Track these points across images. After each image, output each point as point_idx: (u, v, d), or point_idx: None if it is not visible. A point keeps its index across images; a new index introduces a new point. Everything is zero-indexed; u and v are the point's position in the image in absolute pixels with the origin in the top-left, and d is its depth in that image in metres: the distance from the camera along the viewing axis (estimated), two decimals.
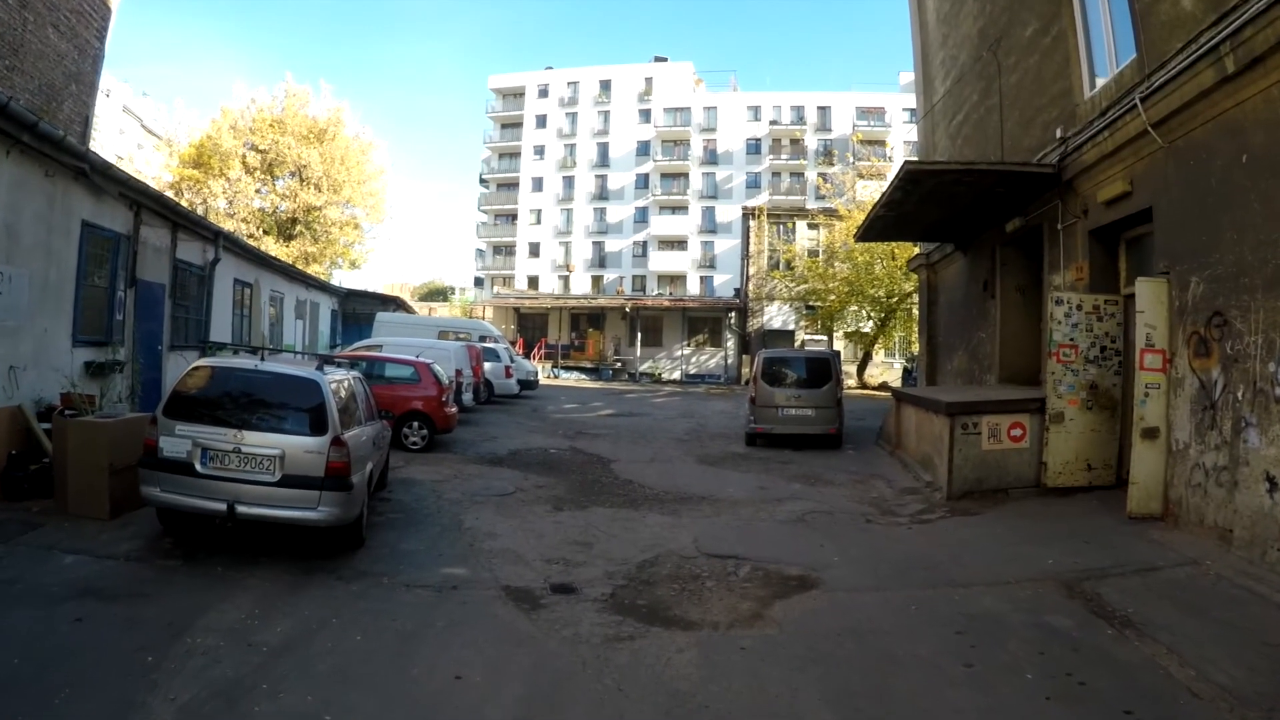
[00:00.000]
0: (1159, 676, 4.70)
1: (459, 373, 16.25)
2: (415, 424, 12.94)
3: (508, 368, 22.79)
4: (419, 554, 7.19)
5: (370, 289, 36.47)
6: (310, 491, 6.49)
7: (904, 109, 60.34)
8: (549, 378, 34.07)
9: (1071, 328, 9.10)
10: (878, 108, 61.96)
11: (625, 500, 9.99)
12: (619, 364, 39.13)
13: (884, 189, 11.84)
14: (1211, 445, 6.66)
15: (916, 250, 21.07)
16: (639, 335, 38.69)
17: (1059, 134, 9.82)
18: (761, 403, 14.58)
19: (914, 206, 12.00)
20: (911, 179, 10.45)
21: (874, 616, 5.81)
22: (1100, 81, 8.99)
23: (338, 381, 7.48)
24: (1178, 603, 5.70)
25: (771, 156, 63.42)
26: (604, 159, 66.94)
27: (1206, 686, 4.48)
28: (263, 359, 7.71)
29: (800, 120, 63.37)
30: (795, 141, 63.11)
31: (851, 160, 44.11)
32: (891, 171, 36.98)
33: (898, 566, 7.07)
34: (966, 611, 5.81)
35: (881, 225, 13.88)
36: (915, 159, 11.20)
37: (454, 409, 14.04)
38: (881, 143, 53.54)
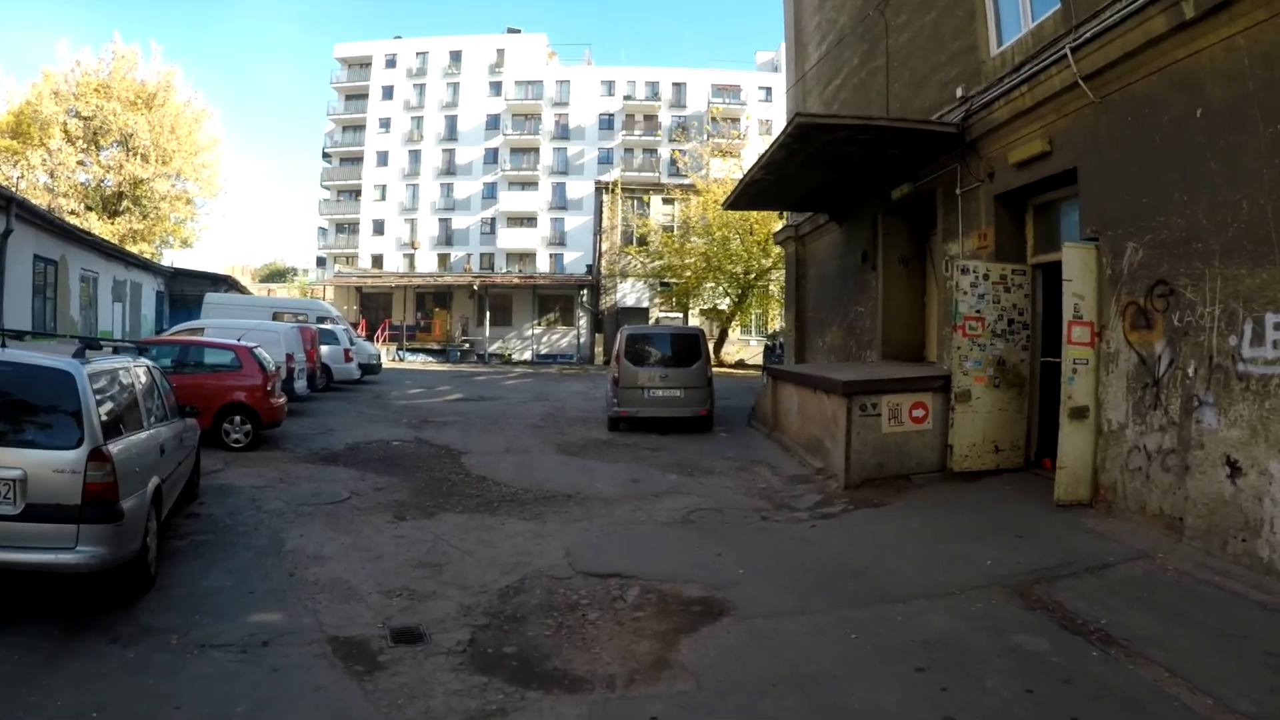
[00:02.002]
0: (1174, 711, 3.91)
1: (290, 357, 14.49)
2: (237, 418, 10.93)
3: (347, 351, 20.59)
4: (225, 593, 5.51)
5: (202, 268, 32.97)
6: (64, 526, 4.69)
7: (760, 87, 61.28)
8: (393, 361, 32.11)
9: (978, 299, 8.47)
10: (733, 85, 62.41)
11: (480, 503, 8.47)
12: (467, 345, 37.15)
13: (763, 151, 10.88)
14: (1155, 426, 6.09)
15: (778, 225, 20.60)
16: (488, 315, 36.70)
17: (959, 93, 9.17)
18: (625, 384, 13.31)
19: (796, 169, 11.10)
20: (800, 134, 9.47)
21: (810, 652, 4.69)
22: (1012, 37, 8.33)
23: (107, 372, 5.54)
24: (1150, 608, 5.00)
25: (625, 132, 62.55)
26: (452, 133, 63.96)
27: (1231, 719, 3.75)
28: (2, 344, 5.52)
29: (655, 96, 62.85)
30: (649, 118, 62.55)
31: (707, 137, 43.89)
32: (749, 149, 37.28)
33: (817, 577, 6.03)
34: (919, 637, 4.82)
35: (756, 191, 12.96)
36: (806, 112, 10.31)
37: (282, 399, 12.01)
38: (736, 120, 53.78)
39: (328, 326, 20.88)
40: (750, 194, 13.32)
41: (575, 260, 56.62)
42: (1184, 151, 5.85)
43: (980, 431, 8.53)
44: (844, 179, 11.66)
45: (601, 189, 38.08)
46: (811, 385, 10.53)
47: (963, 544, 6.54)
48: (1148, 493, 6.12)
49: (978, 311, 8.49)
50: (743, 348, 34.96)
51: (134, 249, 28.37)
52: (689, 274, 31.13)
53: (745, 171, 12.49)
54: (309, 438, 12.18)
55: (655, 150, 60.64)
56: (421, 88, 64.31)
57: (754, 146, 33.71)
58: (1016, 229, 8.68)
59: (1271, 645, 4.41)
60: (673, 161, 46.25)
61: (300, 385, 15.11)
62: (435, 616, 5.18)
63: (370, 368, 22.76)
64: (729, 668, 4.52)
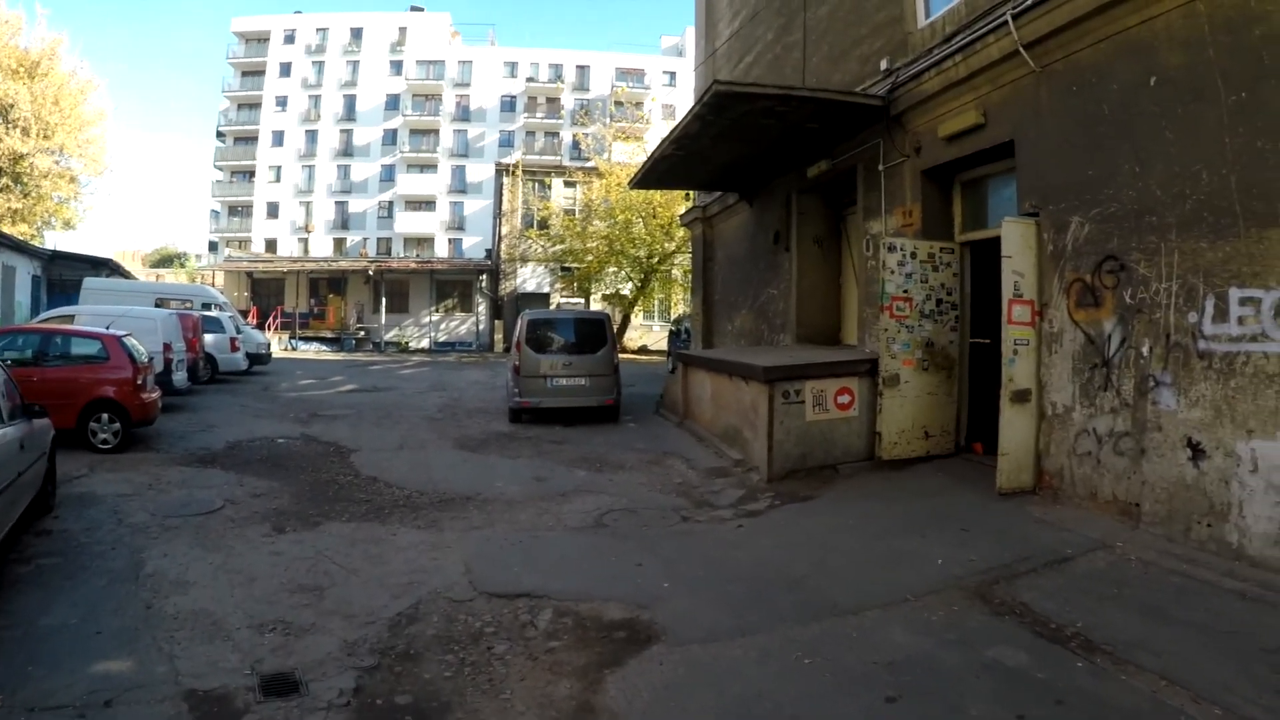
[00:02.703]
0: None
1: (168, 347, 13.19)
2: (105, 416, 9.66)
3: (234, 340, 18.94)
4: (67, 634, 4.47)
5: (84, 251, 29.60)
6: None
7: (664, 71, 60.92)
8: (285, 350, 30.25)
9: (905, 278, 8.08)
10: (638, 69, 61.70)
11: (369, 509, 7.45)
12: (362, 333, 35.32)
13: (676, 123, 10.20)
14: (1105, 409, 5.78)
15: (683, 208, 20.09)
16: (384, 301, 34.89)
17: (884, 66, 8.73)
18: (527, 372, 12.37)
19: (709, 143, 10.48)
20: (717, 104, 8.81)
21: (759, 685, 4.01)
22: (943, 7, 7.92)
23: None
24: (1124, 605, 4.62)
25: (527, 115, 61.01)
26: (351, 113, 60.72)
27: None
28: None
29: (558, 79, 61.50)
30: (552, 100, 61.20)
31: (610, 120, 43.16)
32: (652, 132, 36.62)
33: (753, 588, 5.35)
34: (882, 658, 4.24)
35: (666, 168, 12.28)
36: (724, 80, 9.67)
37: (155, 394, 10.61)
38: (640, 104, 53.20)
39: (213, 314, 19.34)
40: (659, 171, 12.60)
41: (475, 245, 54.83)
42: (1136, 121, 5.52)
43: (909, 417, 8.17)
44: (758, 156, 11.12)
45: (502, 171, 36.88)
46: (727, 371, 9.96)
47: (907, 540, 6.06)
48: (1099, 478, 5.82)
49: (905, 291, 8.10)
50: (646, 333, 34.53)
51: (12, 230, 25.70)
52: (591, 258, 30.39)
53: (655, 147, 11.76)
54: (186, 436, 10.85)
55: (557, 134, 59.31)
56: (320, 65, 60.93)
57: (658, 130, 33.17)
58: (944, 206, 8.34)
59: (1265, 640, 4.09)
60: (575, 145, 45.40)
61: (179, 378, 13.72)
62: (314, 657, 4.28)
63: (259, 358, 21.24)
64: (667, 712, 3.80)
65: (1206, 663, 3.92)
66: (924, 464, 8.07)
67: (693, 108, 9.45)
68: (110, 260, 30.07)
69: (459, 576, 5.58)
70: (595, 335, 12.94)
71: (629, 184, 15.33)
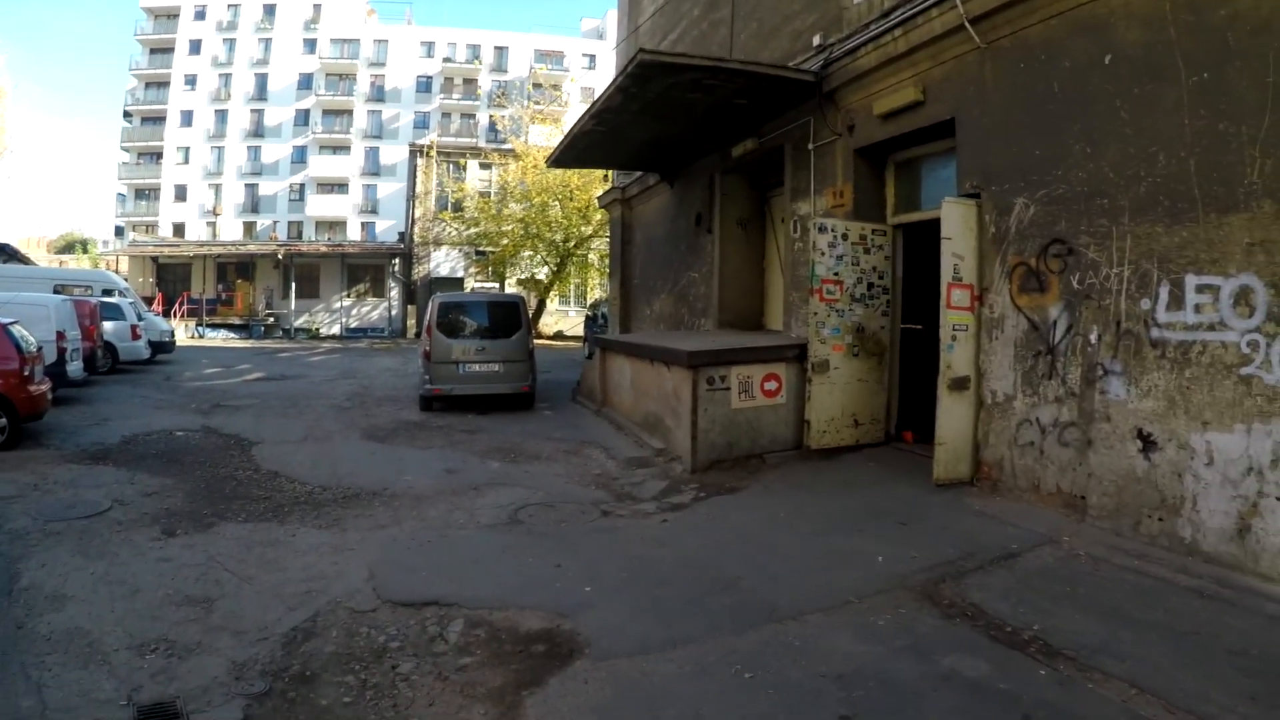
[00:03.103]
0: None
1: (61, 335, 12.18)
2: None
3: (135, 327, 17.65)
4: None
5: None
6: None
7: (584, 54, 59.76)
8: (192, 337, 29.17)
9: (836, 260, 7.74)
10: (557, 51, 60.11)
11: (268, 507, 6.73)
12: (272, 319, 33.50)
13: (598, 96, 9.56)
14: (1049, 398, 5.55)
15: (600, 191, 19.54)
16: (294, 286, 33.17)
17: (816, 42, 8.34)
18: (438, 358, 11.65)
19: (630, 119, 9.88)
20: (642, 75, 8.21)
21: (696, 706, 3.53)
22: None
23: None
24: (1080, 605, 4.36)
25: (443, 96, 58.96)
26: (262, 92, 57.21)
27: None
28: None
29: (476, 59, 59.61)
30: (469, 81, 59.29)
31: (528, 103, 42.05)
32: (571, 115, 35.63)
33: (684, 592, 4.86)
34: (831, 670, 3.82)
35: (584, 145, 11.59)
36: (650, 49, 9.06)
37: (45, 386, 9.54)
38: (559, 87, 51.87)
39: (113, 300, 18.15)
40: (578, 148, 11.89)
41: (388, 229, 53.00)
42: (1088, 100, 5.27)
43: (839, 404, 7.85)
44: (681, 134, 10.59)
45: (416, 153, 35.59)
46: (648, 356, 9.44)
47: (843, 536, 5.70)
48: (1041, 470, 5.60)
49: (836, 274, 7.76)
50: (561, 318, 33.96)
51: None
52: (506, 242, 29.31)
53: (575, 122, 11.07)
54: (79, 431, 9.84)
55: (474, 116, 57.58)
56: (231, 43, 57.29)
57: (576, 113, 32.33)
58: (876, 186, 8.03)
59: (1229, 641, 3.88)
60: (492, 127, 44.35)
61: (74, 368, 12.61)
62: (198, 682, 3.69)
63: (162, 346, 20.02)
64: None
65: (1174, 668, 3.67)
66: (854, 453, 7.78)
67: (615, 79, 8.81)
68: (7, 245, 27.59)
69: (362, 583, 4.96)
70: (509, 319, 12.27)
71: (546, 161, 14.57)
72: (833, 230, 7.73)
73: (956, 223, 6.23)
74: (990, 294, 6.12)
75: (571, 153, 12.38)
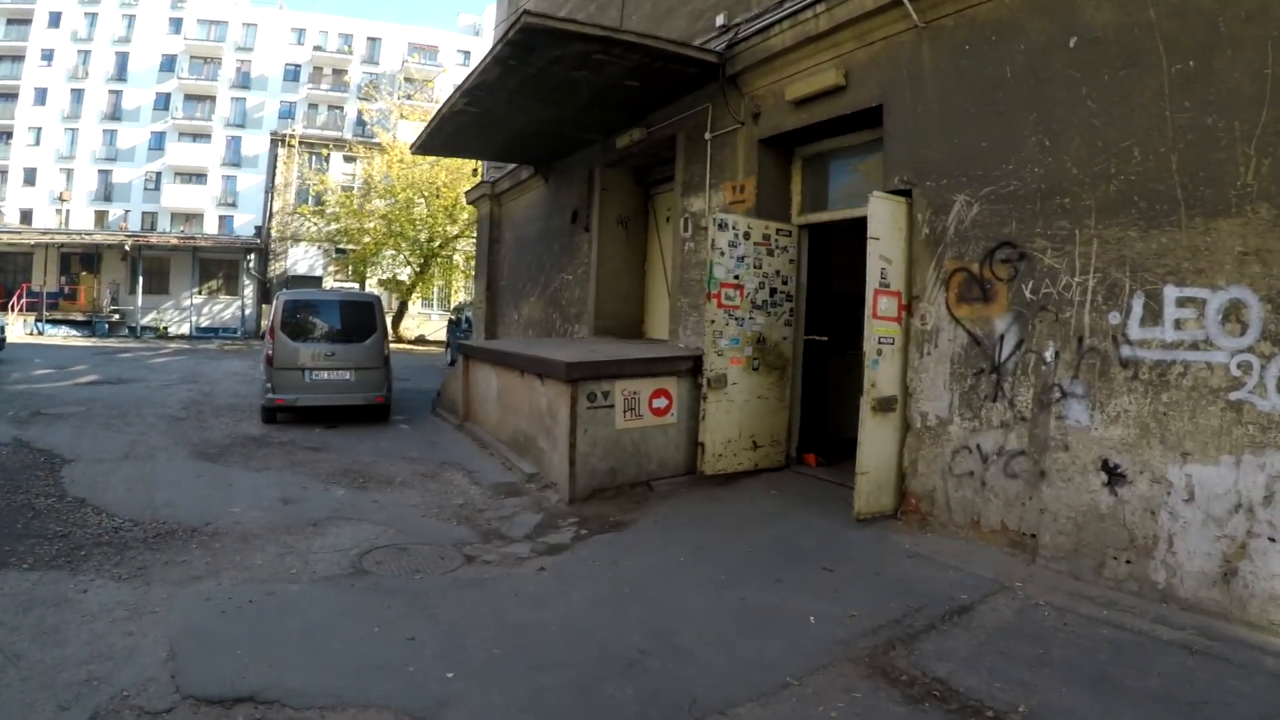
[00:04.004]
0: None
1: None
2: None
3: None
4: None
5: None
6: None
7: (459, 50, 57.05)
8: (31, 334, 26.41)
9: (737, 262, 6.83)
10: (432, 45, 56.82)
11: (64, 548, 5.17)
12: (117, 316, 29.69)
13: (473, 68, 8.21)
14: (994, 422, 4.84)
15: (470, 186, 18.08)
16: (141, 281, 29.40)
17: (720, 21, 7.45)
18: (282, 363, 9.97)
19: (507, 98, 8.57)
20: (525, 42, 6.99)
21: None
22: None
23: None
24: (1061, 672, 3.58)
25: (311, 85, 54.54)
26: (122, 72, 50.30)
27: None
28: None
29: (347, 49, 55.65)
30: (339, 72, 55.41)
31: (397, 96, 39.69)
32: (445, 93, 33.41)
33: (576, 678, 3.64)
34: None
35: (454, 129, 10.13)
36: (536, 11, 7.79)
37: None
38: (431, 83, 48.95)
39: None
40: (446, 132, 10.39)
41: (248, 224, 48.74)
42: (1048, 87, 4.63)
43: (736, 424, 6.93)
44: (561, 120, 9.37)
45: (277, 142, 32.87)
46: (518, 367, 8.13)
47: (761, 588, 4.68)
48: (983, 504, 4.88)
49: (736, 277, 6.85)
50: (424, 321, 32.17)
51: None
52: (368, 239, 27.44)
53: (444, 100, 9.60)
54: None
55: (342, 108, 53.71)
56: (94, 18, 50.03)
57: None
58: (782, 182, 7.21)
59: (1244, 712, 3.20)
60: (360, 120, 41.78)
61: None
62: None
63: None
64: None
65: None
66: (752, 479, 6.87)
67: (494, 47, 7.47)
68: None
69: (158, 666, 3.62)
70: (363, 321, 10.63)
71: (411, 147, 12.94)
72: (734, 228, 6.82)
73: (885, 221, 5.46)
74: (922, 303, 5.39)
75: (439, 138, 10.84)
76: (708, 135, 7.70)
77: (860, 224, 6.64)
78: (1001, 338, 4.82)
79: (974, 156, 5.04)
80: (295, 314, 10.36)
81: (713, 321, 6.78)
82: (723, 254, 6.77)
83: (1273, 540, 3.66)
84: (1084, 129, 4.42)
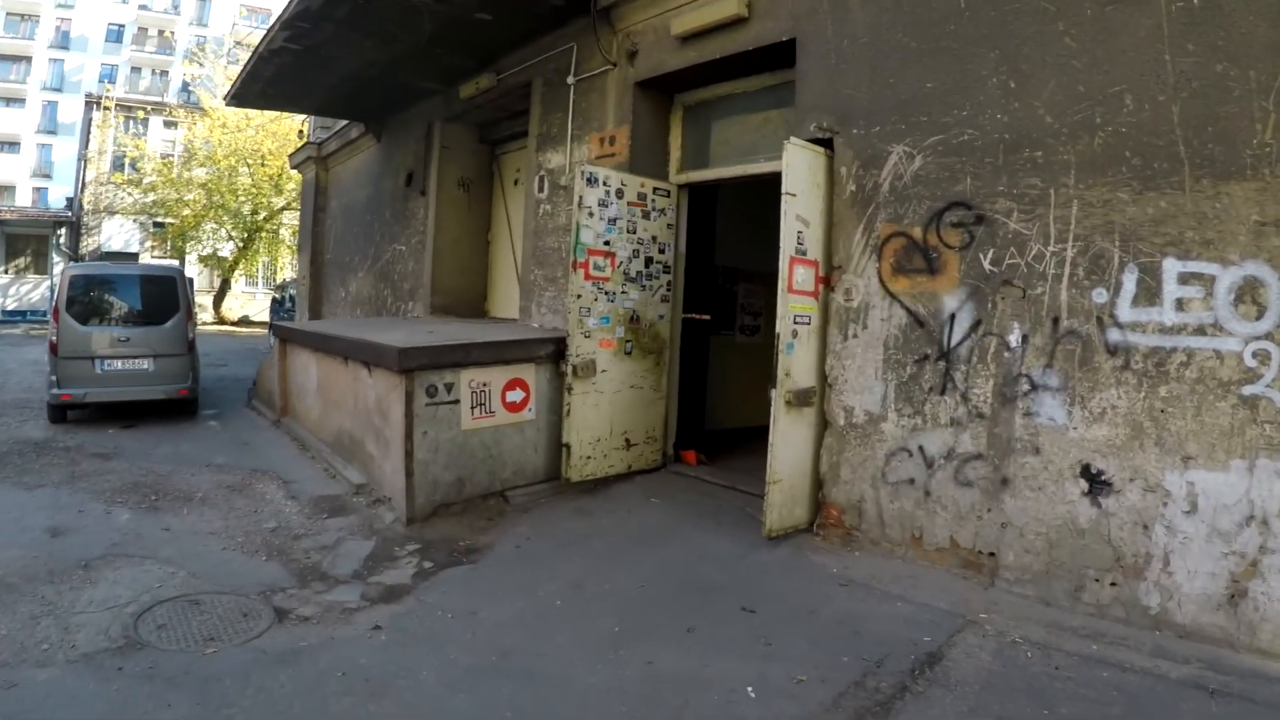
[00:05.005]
0: None
1: None
2: None
3: None
4: None
5: None
6: None
7: None
8: None
9: (608, 225, 5.57)
10: (264, 7, 49.08)
11: None
12: None
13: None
14: (942, 419, 3.96)
15: (297, 148, 15.55)
16: None
17: None
18: (68, 351, 7.93)
19: (336, 32, 6.73)
20: None
21: None
22: None
23: None
24: None
25: (135, 48, 45.84)
26: None
27: None
28: None
29: (175, 10, 47.27)
30: (165, 34, 47.07)
31: (227, 63, 34.46)
32: None
33: None
34: None
35: (273, 73, 8.08)
36: None
37: None
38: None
39: None
40: (265, 76, 8.26)
41: (64, 197, 40.21)
42: (1014, 21, 3.75)
43: (607, 419, 5.67)
44: (397, 63, 7.56)
45: (92, 104, 28.74)
46: (341, 352, 6.37)
47: (670, 645, 3.45)
48: (927, 517, 3.99)
49: (606, 244, 5.58)
50: (248, 301, 28.84)
51: None
52: (187, 212, 24.48)
53: (260, 39, 7.44)
54: None
55: (167, 72, 45.97)
56: None
57: None
58: (659, 133, 5.98)
59: None
60: (186, 86, 37.02)
61: None
62: None
63: None
64: None
65: None
66: (626, 484, 5.64)
67: None
68: None
69: None
70: (164, 300, 8.50)
71: (225, 98, 10.41)
72: (605, 183, 5.53)
73: (803, 174, 4.42)
74: (846, 274, 4.41)
75: (256, 84, 8.63)
76: (571, 79, 6.32)
77: (751, 185, 5.68)
78: (952, 317, 3.94)
79: (916, 100, 4.11)
80: (84, 292, 8.24)
81: (579, 296, 5.46)
82: (591, 214, 5.46)
83: None
84: (1060, 70, 3.61)
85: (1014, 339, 3.71)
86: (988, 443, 3.78)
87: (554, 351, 5.68)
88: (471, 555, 4.61)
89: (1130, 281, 3.38)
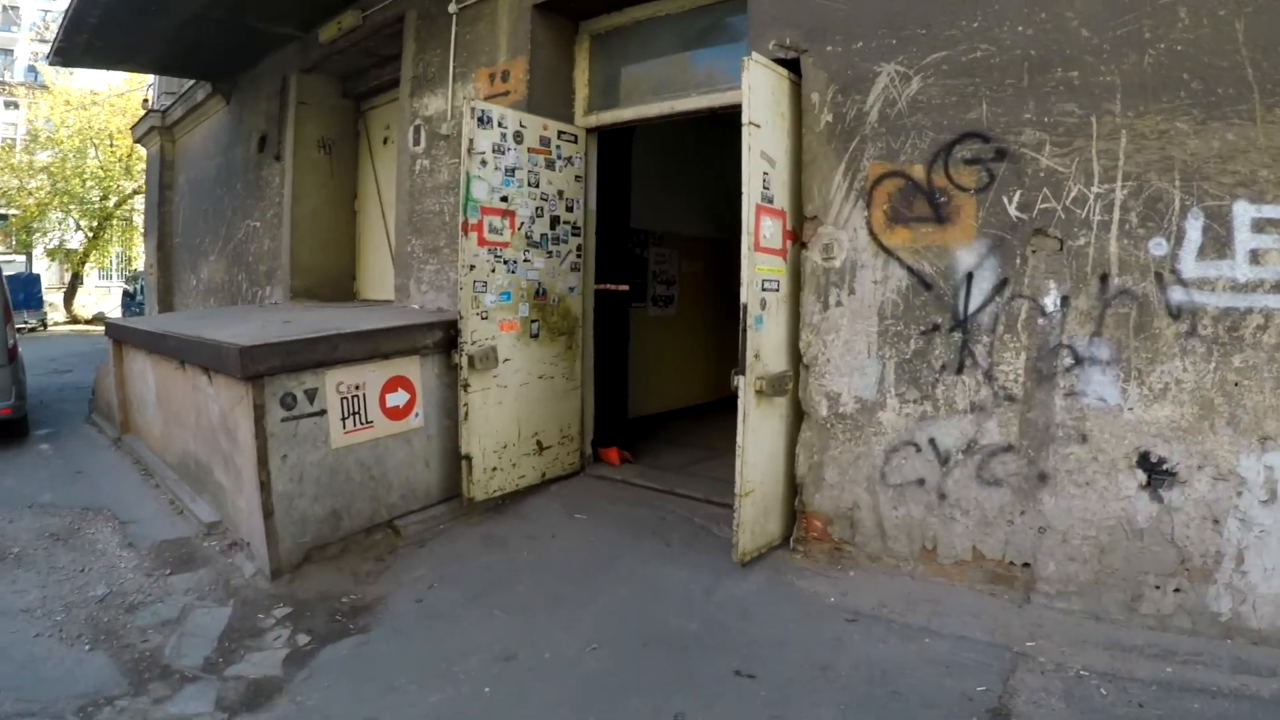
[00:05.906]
0: None
1: None
2: None
3: None
4: None
5: None
6: None
7: None
8: None
9: (506, 176, 4.43)
10: None
11: None
12: None
13: None
14: (959, 404, 3.22)
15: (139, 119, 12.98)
16: None
17: None
18: None
19: None
20: None
21: None
22: None
23: None
24: None
25: None
26: None
27: None
28: None
29: None
30: (10, 9, 38.44)
31: None
32: None
33: None
34: None
35: (99, 20, 6.32)
36: None
37: None
38: None
39: None
40: (90, 25, 6.48)
41: None
42: None
43: (514, 419, 4.56)
44: (244, 2, 5.94)
45: None
46: (176, 355, 4.82)
47: None
48: (942, 524, 3.25)
49: (504, 200, 4.44)
50: (103, 296, 25.41)
51: None
52: (31, 201, 21.71)
53: None
54: None
55: (12, 50, 37.66)
56: None
57: None
58: (562, 67, 4.84)
59: None
60: (32, 68, 31.02)
61: None
62: None
63: None
64: None
65: None
66: (543, 499, 4.55)
67: None
68: None
69: None
70: None
71: (48, 56, 8.18)
72: (501, 124, 4.36)
73: (765, 101, 3.51)
74: (824, 226, 3.57)
75: (80, 35, 6.71)
76: (454, 7, 5.03)
77: (659, 134, 4.77)
78: (969, 277, 3.19)
79: (912, 8, 3.29)
80: None
81: (471, 267, 4.29)
82: (484, 163, 4.29)
83: None
84: None
85: (1051, 302, 3.01)
86: (1020, 431, 3.08)
87: (443, 339, 4.47)
88: (359, 618, 3.38)
89: (1195, 230, 2.76)
